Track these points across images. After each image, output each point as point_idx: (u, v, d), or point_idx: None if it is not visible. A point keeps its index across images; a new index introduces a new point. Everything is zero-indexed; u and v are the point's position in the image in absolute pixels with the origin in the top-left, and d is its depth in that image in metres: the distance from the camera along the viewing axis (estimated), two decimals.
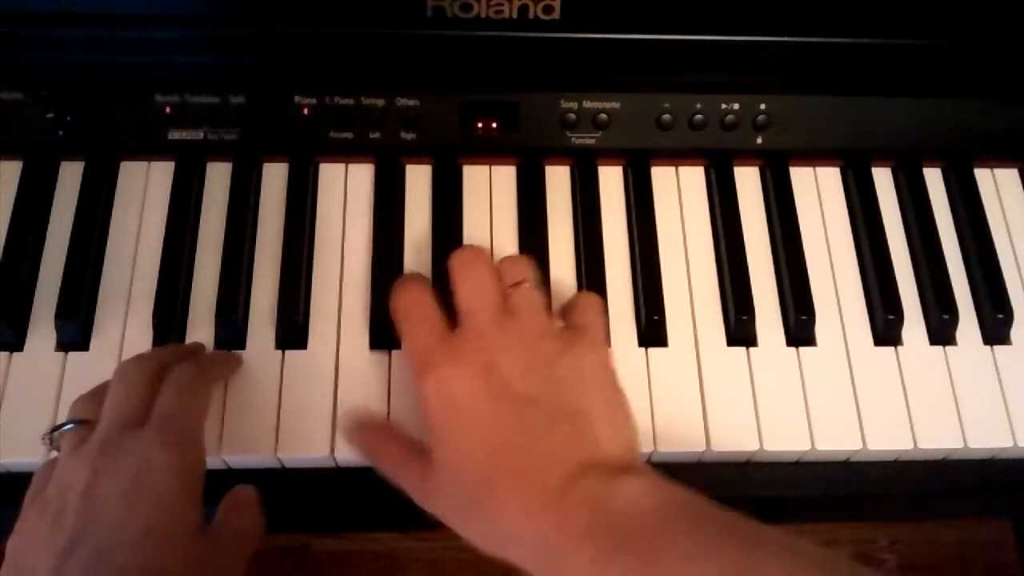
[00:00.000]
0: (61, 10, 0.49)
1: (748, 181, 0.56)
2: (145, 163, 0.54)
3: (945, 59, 0.53)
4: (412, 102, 0.54)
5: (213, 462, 0.46)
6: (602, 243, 0.53)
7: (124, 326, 0.49)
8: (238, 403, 0.47)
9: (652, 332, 0.50)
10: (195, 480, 0.40)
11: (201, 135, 0.53)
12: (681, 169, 0.56)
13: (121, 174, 0.54)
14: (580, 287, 0.52)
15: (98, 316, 0.50)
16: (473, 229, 0.53)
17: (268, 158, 0.54)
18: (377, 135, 0.54)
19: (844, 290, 0.52)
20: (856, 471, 0.50)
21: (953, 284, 0.52)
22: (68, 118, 0.53)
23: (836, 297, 0.52)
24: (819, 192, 0.56)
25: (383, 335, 0.49)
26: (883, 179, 0.56)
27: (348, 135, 0.54)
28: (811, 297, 0.51)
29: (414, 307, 0.45)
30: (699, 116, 0.54)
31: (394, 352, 0.49)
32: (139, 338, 0.49)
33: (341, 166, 0.55)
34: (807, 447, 0.48)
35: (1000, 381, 0.50)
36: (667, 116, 0.54)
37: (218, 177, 0.54)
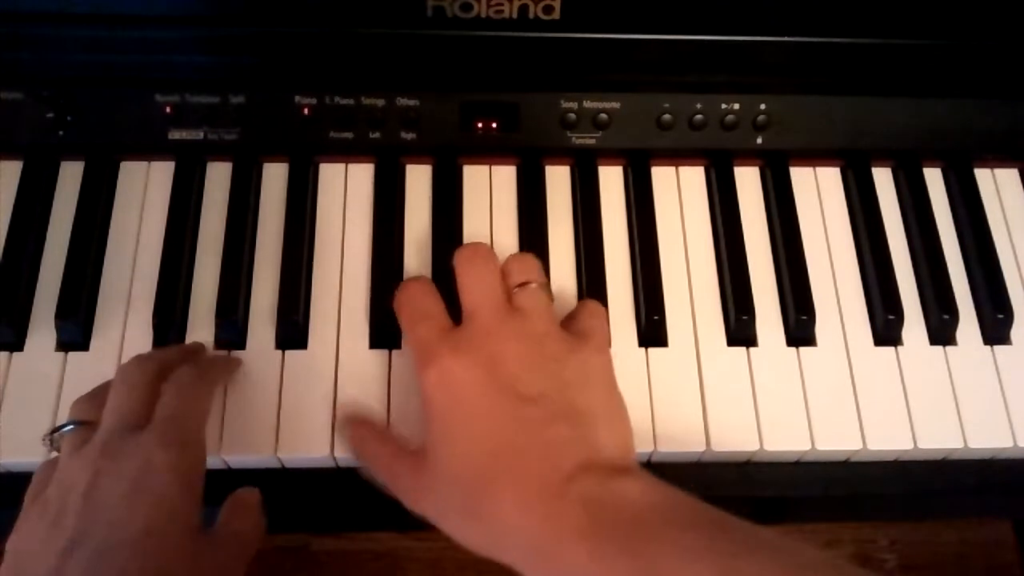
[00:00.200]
0: (61, 10, 0.49)
1: (748, 181, 0.56)
2: (145, 163, 0.54)
3: (945, 59, 0.53)
4: (412, 102, 0.54)
5: (213, 462, 0.46)
6: (602, 243, 0.53)
7: (124, 326, 0.49)
8: (238, 403, 0.47)
9: (652, 332, 0.50)
10: (196, 481, 0.40)
11: (201, 135, 0.53)
12: (681, 169, 0.56)
13: (121, 174, 0.54)
14: (580, 287, 0.52)
15: (98, 316, 0.50)
16: (473, 229, 0.53)
17: (268, 158, 0.54)
18: (377, 135, 0.54)
19: (844, 290, 0.52)
20: (856, 471, 0.50)
21: (953, 284, 0.52)
22: (68, 118, 0.53)
23: (836, 297, 0.52)
24: (819, 192, 0.56)
25: (383, 335, 0.49)
26: (883, 179, 0.56)
27: (348, 135, 0.54)
28: (811, 297, 0.51)
29: (417, 303, 0.45)
30: (699, 116, 0.54)
31: (394, 352, 0.49)
32: (139, 338, 0.49)
33: (341, 166, 0.55)
34: (807, 447, 0.48)
35: (1000, 381, 0.50)
36: (667, 116, 0.54)
37: (218, 177, 0.54)
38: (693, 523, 0.37)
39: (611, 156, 0.55)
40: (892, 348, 0.51)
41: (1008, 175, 0.57)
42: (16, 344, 0.49)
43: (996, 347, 0.51)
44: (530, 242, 0.52)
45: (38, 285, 0.50)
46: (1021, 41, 0.52)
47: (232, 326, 0.49)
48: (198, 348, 0.48)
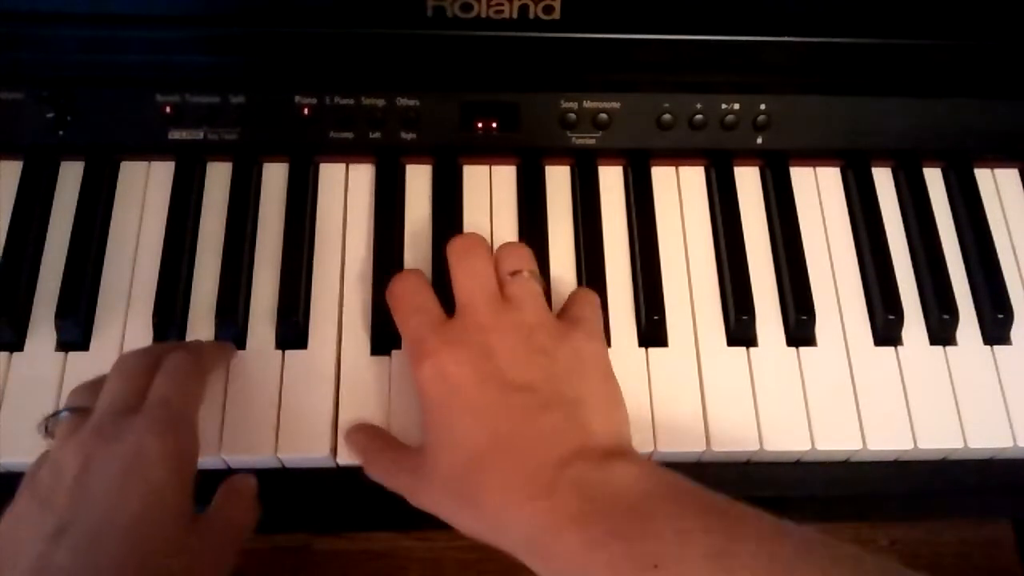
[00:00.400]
0: (61, 10, 0.49)
1: (748, 181, 0.56)
2: (145, 163, 0.54)
3: (945, 59, 0.53)
4: (412, 102, 0.54)
5: (213, 462, 0.46)
6: (602, 243, 0.53)
7: (124, 326, 0.49)
8: (238, 403, 0.47)
9: (652, 332, 0.50)
10: (187, 466, 0.40)
11: (201, 135, 0.53)
12: (681, 169, 0.56)
13: (121, 174, 0.54)
14: (577, 287, 0.52)
15: (98, 316, 0.50)
16: (473, 229, 0.53)
17: (268, 158, 0.54)
18: (377, 135, 0.54)
19: (844, 290, 0.52)
20: (856, 471, 0.50)
21: (953, 284, 0.52)
22: (68, 118, 0.53)
23: (836, 297, 0.52)
24: (819, 192, 0.56)
25: (383, 335, 0.49)
26: (883, 179, 0.56)
27: (348, 135, 0.54)
28: (811, 297, 0.51)
29: (410, 297, 0.46)
30: (699, 116, 0.54)
31: (394, 352, 0.49)
32: (139, 338, 0.49)
33: (341, 166, 0.55)
34: (807, 447, 0.48)
35: (1000, 381, 0.50)
36: (667, 116, 0.54)
37: (218, 177, 0.54)
38: (688, 507, 0.38)
39: (611, 156, 0.55)
40: (892, 348, 0.51)
41: (1008, 175, 0.57)
42: (16, 344, 0.49)
43: (996, 347, 0.51)
44: (530, 242, 0.52)
45: (38, 285, 0.50)
46: (1021, 41, 0.52)
47: (232, 326, 0.49)
48: (197, 346, 0.48)
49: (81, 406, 0.42)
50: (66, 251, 0.51)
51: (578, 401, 0.42)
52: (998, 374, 0.50)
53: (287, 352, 0.49)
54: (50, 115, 0.52)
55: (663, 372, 0.49)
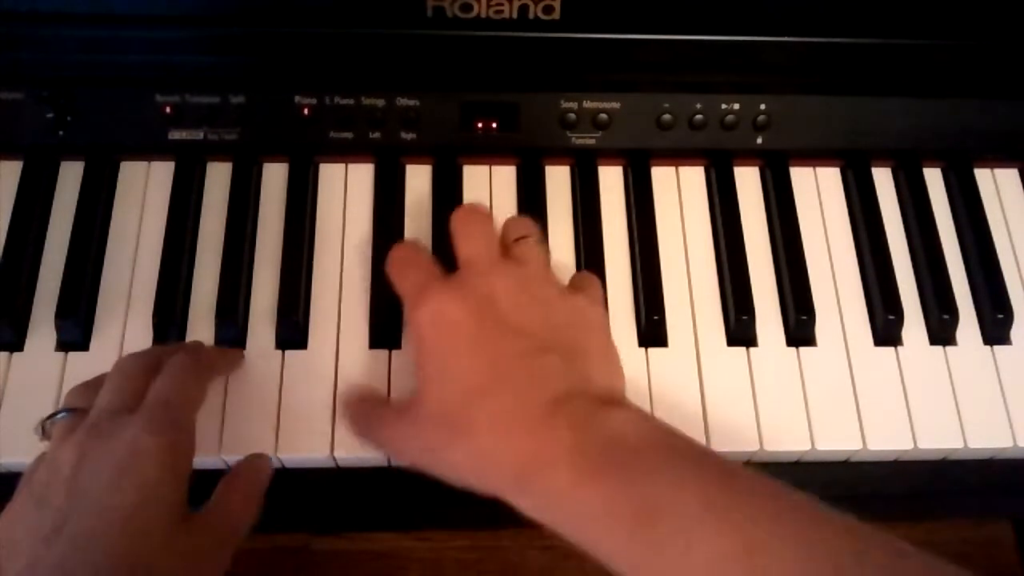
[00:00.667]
0: (61, 10, 0.49)
1: (748, 181, 0.56)
2: (145, 163, 0.54)
3: (945, 59, 0.53)
4: (412, 102, 0.54)
5: (213, 462, 0.46)
6: (602, 243, 0.53)
7: (124, 326, 0.49)
8: (238, 403, 0.47)
9: (652, 332, 0.50)
10: (182, 465, 0.39)
11: (201, 135, 0.53)
12: (681, 169, 0.56)
13: (121, 174, 0.54)
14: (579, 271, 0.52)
15: (98, 316, 0.50)
16: None
17: (268, 158, 0.54)
18: (377, 135, 0.54)
19: (844, 290, 0.52)
20: (856, 471, 0.50)
21: (953, 284, 0.52)
22: (68, 118, 0.53)
23: (836, 297, 0.52)
24: (819, 192, 0.56)
25: (383, 335, 0.49)
26: (883, 179, 0.56)
27: (348, 135, 0.54)
28: (811, 297, 0.51)
29: (409, 258, 0.46)
30: (699, 116, 0.54)
31: (394, 352, 0.49)
32: (139, 338, 0.49)
33: (341, 166, 0.55)
34: (807, 447, 0.48)
35: (1000, 381, 0.50)
36: (667, 116, 0.54)
37: (218, 177, 0.54)
38: (683, 454, 0.38)
39: (611, 156, 0.55)
40: (892, 348, 0.51)
41: (1008, 175, 0.57)
42: (16, 344, 0.49)
43: (996, 347, 0.51)
44: None
45: (38, 285, 0.50)
46: (1021, 41, 0.52)
47: (232, 326, 0.49)
48: (197, 347, 0.48)
49: (78, 407, 0.42)
50: (66, 251, 0.51)
51: (576, 351, 0.42)
52: (998, 374, 0.50)
53: (287, 352, 0.49)
54: (50, 115, 0.52)
55: (663, 372, 0.49)
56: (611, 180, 0.55)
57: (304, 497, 0.49)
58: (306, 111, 0.53)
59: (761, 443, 0.48)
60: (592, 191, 0.54)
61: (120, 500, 0.37)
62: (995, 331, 0.52)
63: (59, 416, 0.42)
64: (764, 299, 0.51)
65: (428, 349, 0.42)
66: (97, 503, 0.37)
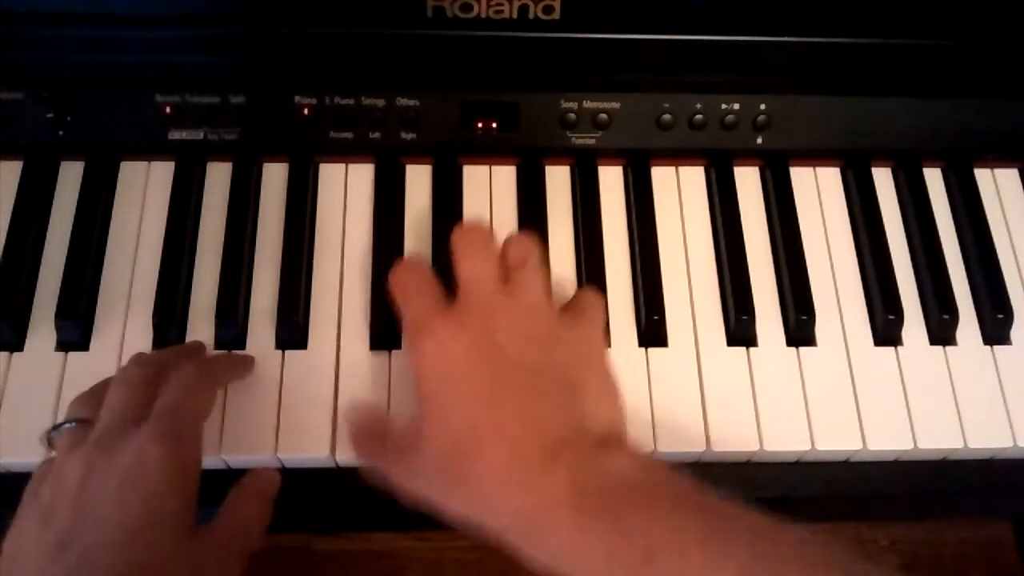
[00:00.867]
0: (61, 10, 0.49)
1: (748, 181, 0.56)
2: (145, 163, 0.54)
3: (945, 59, 0.53)
4: (412, 102, 0.54)
5: (213, 462, 0.46)
6: (602, 243, 0.53)
7: (124, 326, 0.49)
8: (238, 403, 0.47)
9: (652, 332, 0.50)
10: (189, 478, 0.39)
11: (201, 135, 0.53)
12: (681, 169, 0.56)
13: (121, 174, 0.54)
14: (580, 287, 0.52)
15: (98, 316, 0.50)
16: None
17: (268, 158, 0.54)
18: (377, 135, 0.54)
19: (844, 290, 0.52)
20: (856, 471, 0.50)
21: (953, 284, 0.52)
22: (68, 118, 0.53)
23: (836, 297, 0.52)
24: (819, 192, 0.56)
25: (383, 335, 0.49)
26: (883, 179, 0.56)
27: (348, 135, 0.54)
28: (811, 297, 0.51)
29: (412, 281, 0.45)
30: (699, 116, 0.54)
31: (394, 352, 0.49)
32: (139, 338, 0.49)
33: (341, 166, 0.55)
34: (807, 447, 0.48)
35: (1000, 381, 0.50)
36: (667, 116, 0.54)
37: (218, 177, 0.54)
38: (683, 500, 0.38)
39: (611, 156, 0.55)
40: (892, 348, 0.51)
41: (1008, 175, 0.57)
42: (16, 344, 0.49)
43: (996, 347, 0.51)
44: None
45: (38, 285, 0.50)
46: (1021, 41, 0.52)
47: (232, 326, 0.49)
48: (198, 347, 0.48)
49: (83, 417, 0.42)
50: (66, 251, 0.51)
51: (576, 387, 0.41)
52: (998, 374, 0.50)
53: (287, 352, 0.49)
54: (50, 115, 0.52)
55: (663, 372, 0.49)
56: (611, 180, 0.55)
57: (304, 497, 0.49)
58: (306, 111, 0.53)
59: (761, 443, 0.48)
60: (592, 191, 0.54)
61: (126, 514, 0.37)
62: (995, 331, 0.52)
63: (64, 427, 0.42)
64: (764, 299, 0.51)
65: (427, 384, 0.41)
66: (103, 518, 0.37)
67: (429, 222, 0.53)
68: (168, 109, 0.53)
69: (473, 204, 0.54)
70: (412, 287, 0.45)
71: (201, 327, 0.49)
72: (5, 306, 0.49)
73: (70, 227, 0.51)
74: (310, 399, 0.48)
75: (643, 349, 0.50)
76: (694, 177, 0.56)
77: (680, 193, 0.55)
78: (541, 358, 0.42)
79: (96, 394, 0.43)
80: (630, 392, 0.45)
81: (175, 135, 0.53)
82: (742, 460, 0.49)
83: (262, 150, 0.54)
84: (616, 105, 0.54)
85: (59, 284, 0.50)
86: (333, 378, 0.48)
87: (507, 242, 0.47)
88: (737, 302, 0.51)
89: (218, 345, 0.49)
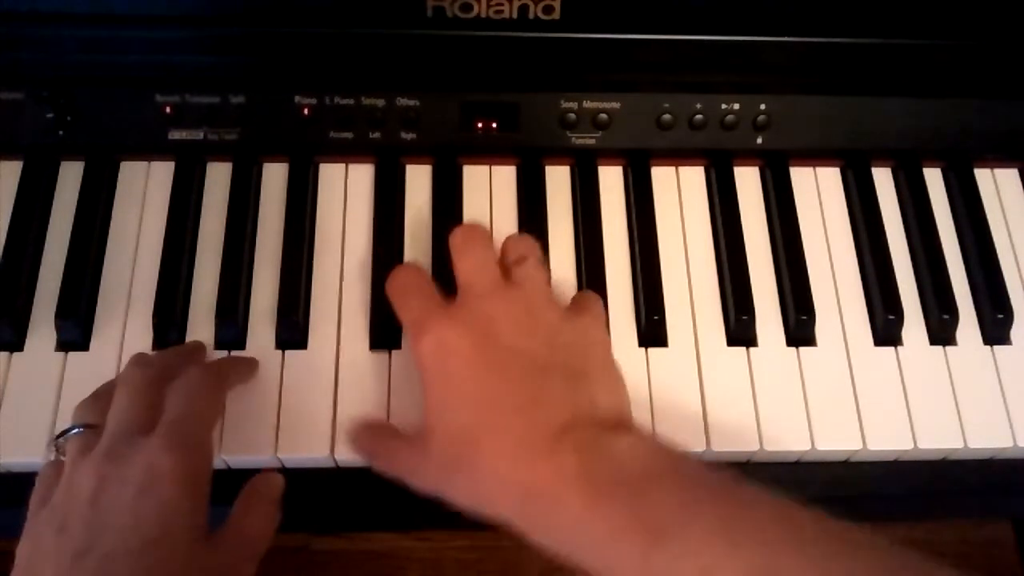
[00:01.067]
0: (61, 10, 0.49)
1: (748, 181, 0.56)
2: (145, 163, 0.54)
3: (945, 59, 0.53)
4: (412, 102, 0.54)
5: (214, 462, 0.46)
6: (602, 243, 0.53)
7: (124, 326, 0.49)
8: (238, 403, 0.47)
9: (652, 332, 0.50)
10: (201, 485, 0.39)
11: (201, 135, 0.53)
12: (681, 169, 0.56)
13: (121, 174, 0.54)
14: (580, 287, 0.52)
15: (98, 316, 0.50)
16: None
17: (268, 158, 0.54)
18: (377, 135, 0.54)
19: (844, 290, 0.52)
20: (856, 471, 0.50)
21: (953, 284, 0.52)
22: (68, 118, 0.53)
23: (836, 297, 0.52)
24: (819, 192, 0.56)
25: (383, 335, 0.49)
26: (883, 179, 0.56)
27: (348, 135, 0.54)
28: (811, 297, 0.51)
29: (410, 284, 0.46)
30: (699, 116, 0.54)
31: (394, 352, 0.49)
32: (139, 338, 0.49)
33: (341, 166, 0.55)
34: (807, 447, 0.48)
35: (1000, 381, 0.50)
36: (667, 116, 0.54)
37: (218, 177, 0.54)
38: (693, 480, 0.37)
39: (611, 156, 0.55)
40: (892, 348, 0.51)
41: (1008, 175, 0.57)
42: (16, 344, 0.49)
43: (996, 347, 0.51)
44: None
45: (38, 285, 0.50)
46: (1021, 41, 0.52)
47: (232, 326, 0.49)
48: (198, 347, 0.48)
49: (90, 423, 0.42)
50: (66, 251, 0.51)
51: (579, 376, 0.41)
52: (998, 374, 0.50)
53: (287, 352, 0.49)
54: (50, 115, 0.52)
55: (663, 372, 0.49)
56: (611, 180, 0.55)
57: (304, 497, 0.49)
58: (306, 111, 0.53)
59: (761, 443, 0.48)
60: (592, 191, 0.54)
61: (142, 523, 0.37)
62: (995, 331, 0.52)
63: (72, 433, 0.42)
64: (764, 299, 0.51)
65: (431, 380, 0.42)
66: (118, 529, 0.37)
67: (429, 222, 0.53)
68: (168, 109, 0.53)
69: (473, 204, 0.54)
70: (410, 289, 0.45)
71: (201, 327, 0.49)
72: (5, 306, 0.49)
73: (70, 227, 0.51)
74: (310, 399, 0.48)
75: (643, 349, 0.50)
76: (694, 177, 0.56)
77: (680, 193, 0.55)
78: (543, 349, 0.42)
79: (101, 397, 0.43)
80: (630, 392, 0.45)
81: (175, 135, 0.53)
82: (742, 460, 0.49)
83: (262, 150, 0.54)
84: (616, 105, 0.54)
85: (59, 284, 0.50)
86: (333, 378, 0.48)
87: (507, 241, 0.47)
88: (737, 302, 0.51)
89: (218, 345, 0.49)
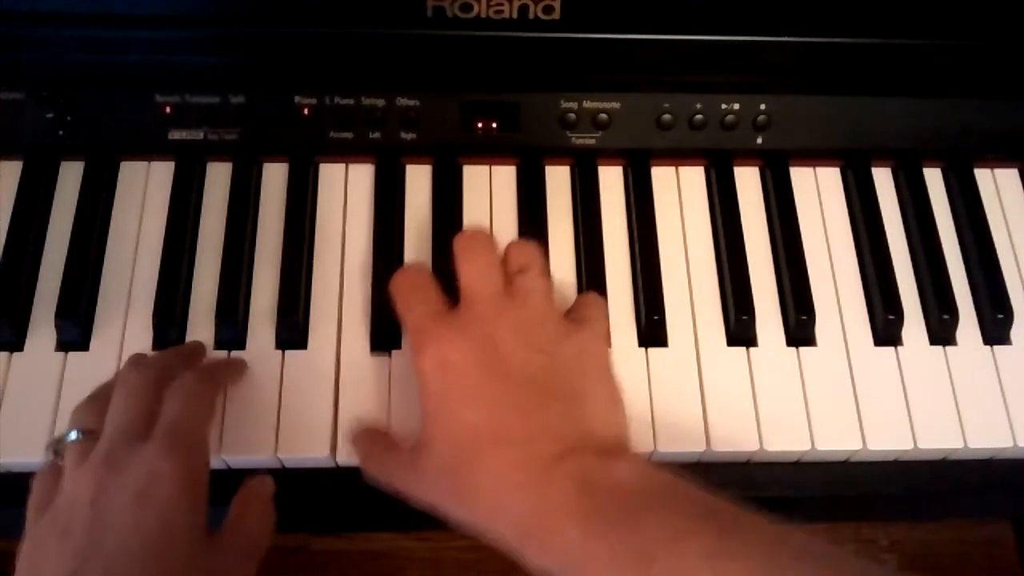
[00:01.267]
0: (61, 10, 0.49)
1: (748, 181, 0.56)
2: (145, 163, 0.54)
3: (945, 59, 0.53)
4: (412, 102, 0.54)
5: (214, 462, 0.46)
6: (602, 243, 0.53)
7: (124, 326, 0.49)
8: (238, 403, 0.47)
9: (652, 332, 0.50)
10: (200, 487, 0.40)
11: (201, 135, 0.53)
12: (681, 169, 0.56)
13: (121, 174, 0.54)
14: (580, 287, 0.52)
15: (98, 316, 0.50)
16: None
17: (268, 158, 0.54)
18: (377, 135, 0.54)
19: (844, 290, 0.52)
20: (856, 471, 0.50)
21: (953, 284, 0.52)
22: (68, 118, 0.53)
23: (836, 297, 0.52)
24: (819, 192, 0.56)
25: (383, 335, 0.49)
26: (883, 179, 0.56)
27: (348, 135, 0.54)
28: (811, 297, 0.51)
29: (414, 288, 0.45)
30: (699, 116, 0.54)
31: (394, 352, 0.49)
32: (139, 338, 0.49)
33: (341, 166, 0.55)
34: (807, 447, 0.48)
35: (1000, 381, 0.50)
36: (667, 116, 0.54)
37: (218, 177, 0.54)
38: (686, 507, 0.37)
39: (611, 156, 0.55)
40: (892, 348, 0.51)
41: (1008, 175, 0.57)
42: (16, 344, 0.49)
43: (996, 347, 0.51)
44: None
45: (38, 285, 0.50)
46: (1021, 41, 0.52)
47: (232, 326, 0.49)
48: (197, 347, 0.48)
49: (88, 428, 0.42)
50: (66, 251, 0.51)
51: (578, 397, 0.41)
52: (998, 374, 0.50)
53: (287, 352, 0.49)
54: (50, 115, 0.52)
55: (663, 372, 0.49)
56: (611, 180, 0.55)
57: (304, 497, 0.49)
58: (306, 111, 0.53)
59: (761, 443, 0.48)
60: (592, 191, 0.54)
61: (143, 528, 0.37)
62: (995, 331, 0.52)
63: (70, 437, 0.42)
64: (764, 299, 0.51)
65: (430, 394, 0.42)
66: (119, 533, 0.37)
67: (429, 222, 0.53)
68: (168, 109, 0.53)
69: (473, 204, 0.54)
70: (414, 294, 0.45)
71: (201, 327, 0.49)
72: (5, 306, 0.49)
73: (70, 227, 0.51)
74: (310, 399, 0.48)
75: (643, 349, 0.50)
76: (694, 177, 0.56)
77: (680, 193, 0.55)
78: (543, 366, 0.42)
79: (98, 400, 0.43)
80: (630, 392, 0.45)
81: (175, 135, 0.53)
82: (742, 460, 0.49)
83: (262, 150, 0.54)
84: (616, 105, 0.54)
85: (59, 284, 0.50)
86: (333, 378, 0.48)
87: (509, 247, 0.47)
88: (737, 302, 0.51)
89: (218, 345, 0.49)
